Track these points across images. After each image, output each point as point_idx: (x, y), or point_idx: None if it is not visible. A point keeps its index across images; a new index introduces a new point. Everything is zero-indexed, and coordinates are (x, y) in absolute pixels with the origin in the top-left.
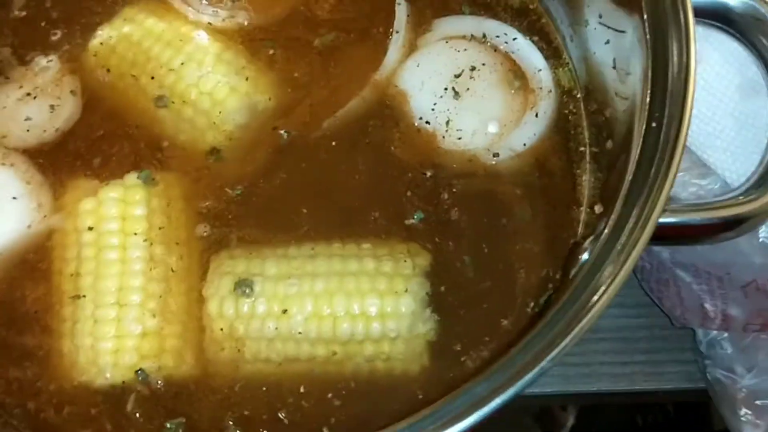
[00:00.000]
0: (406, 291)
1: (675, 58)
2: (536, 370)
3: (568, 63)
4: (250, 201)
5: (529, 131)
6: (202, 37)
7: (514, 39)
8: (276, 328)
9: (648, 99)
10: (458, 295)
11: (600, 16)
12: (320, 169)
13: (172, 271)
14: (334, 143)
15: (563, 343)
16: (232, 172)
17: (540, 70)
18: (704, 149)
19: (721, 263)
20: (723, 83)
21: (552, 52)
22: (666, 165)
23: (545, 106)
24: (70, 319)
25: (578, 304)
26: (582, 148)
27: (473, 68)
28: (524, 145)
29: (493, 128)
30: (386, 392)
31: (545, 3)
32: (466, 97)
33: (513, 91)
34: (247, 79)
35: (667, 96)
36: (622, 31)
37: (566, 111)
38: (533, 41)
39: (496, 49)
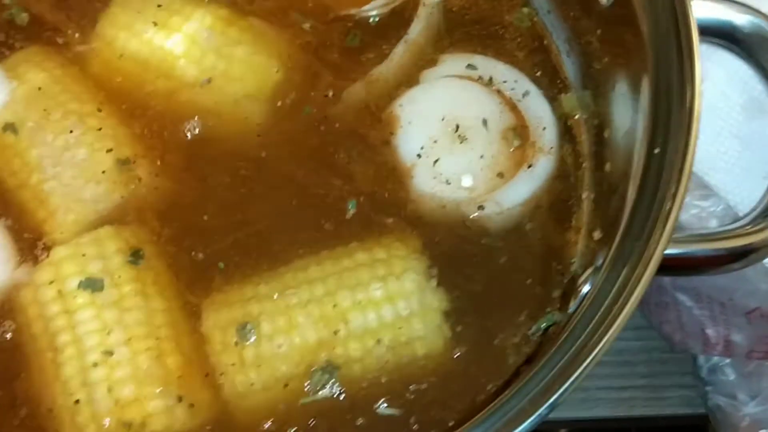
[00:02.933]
0: (407, 269)
1: (677, 79)
2: (534, 416)
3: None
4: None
5: (522, 189)
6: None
7: (526, 92)
8: (288, 343)
9: (650, 124)
10: (460, 264)
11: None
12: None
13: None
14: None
15: (561, 389)
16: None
17: (545, 128)
18: (706, 170)
19: (723, 288)
20: (727, 103)
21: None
22: (671, 196)
23: (544, 163)
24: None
25: (580, 342)
26: (579, 172)
27: (475, 117)
28: (514, 203)
29: (467, 182)
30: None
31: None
32: (459, 144)
33: (511, 150)
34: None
35: (671, 120)
36: None
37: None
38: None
39: (502, 94)
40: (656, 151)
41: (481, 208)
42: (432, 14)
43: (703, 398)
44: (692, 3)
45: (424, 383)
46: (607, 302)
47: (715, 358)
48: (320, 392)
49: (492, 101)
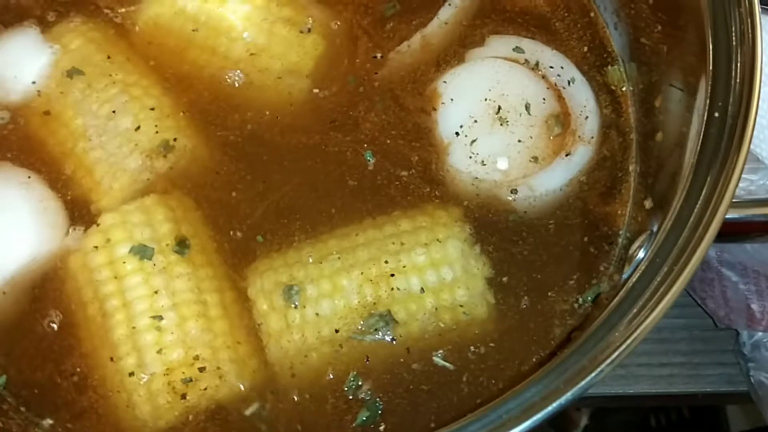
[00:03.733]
0: (449, 235)
1: (737, 43)
2: (595, 372)
3: (617, 60)
4: (271, 199)
5: (558, 176)
6: None
7: (572, 80)
8: (333, 306)
9: (709, 88)
10: (503, 232)
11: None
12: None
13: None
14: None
15: (623, 347)
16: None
17: (587, 117)
18: (757, 143)
19: None
20: None
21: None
22: (733, 157)
23: (583, 153)
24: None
25: (640, 303)
26: (623, 139)
27: (518, 101)
28: (549, 189)
29: (502, 164)
30: (462, 345)
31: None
32: (499, 126)
33: (551, 137)
34: None
35: (732, 84)
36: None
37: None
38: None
39: (547, 80)
40: (716, 114)
41: (514, 191)
42: None
43: (746, 375)
44: None
45: (472, 346)
46: (667, 264)
47: (759, 334)
48: (375, 335)
49: (537, 86)
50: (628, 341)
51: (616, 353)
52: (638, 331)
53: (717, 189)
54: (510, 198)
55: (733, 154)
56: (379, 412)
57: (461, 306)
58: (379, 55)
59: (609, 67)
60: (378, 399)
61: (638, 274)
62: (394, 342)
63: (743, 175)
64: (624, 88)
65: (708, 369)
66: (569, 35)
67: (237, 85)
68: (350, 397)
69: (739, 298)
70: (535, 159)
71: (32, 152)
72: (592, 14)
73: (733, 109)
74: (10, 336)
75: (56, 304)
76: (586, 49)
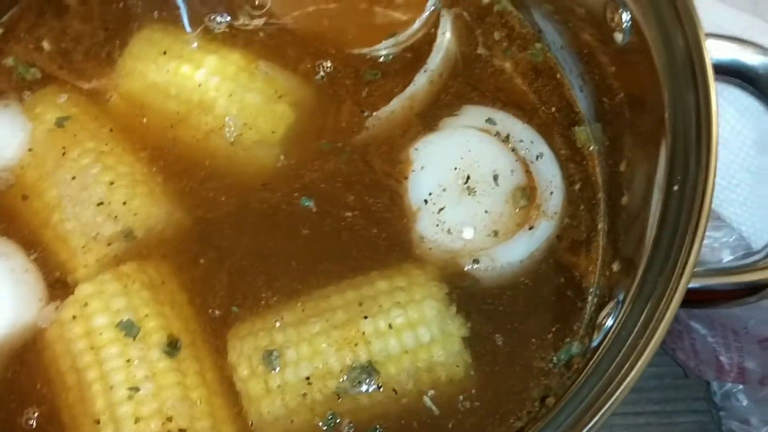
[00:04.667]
0: (426, 296)
1: (694, 117)
2: None
3: (584, 121)
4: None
5: (520, 249)
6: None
7: (540, 155)
8: (313, 369)
9: (668, 161)
10: (477, 292)
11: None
12: (297, 219)
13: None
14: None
15: (593, 421)
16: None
17: (552, 192)
18: (719, 203)
19: (737, 317)
20: (739, 138)
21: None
22: (692, 232)
23: (545, 227)
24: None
25: (607, 376)
26: (593, 198)
27: (488, 171)
28: (509, 261)
29: (468, 234)
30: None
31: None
32: (467, 196)
33: (517, 209)
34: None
35: (689, 158)
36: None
37: (576, 164)
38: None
39: (516, 153)
40: (675, 188)
41: (476, 261)
42: (448, 49)
43: (717, 423)
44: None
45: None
46: (632, 337)
47: (729, 385)
48: (359, 387)
49: (506, 158)
50: (600, 413)
51: (587, 427)
52: (612, 399)
53: (679, 260)
54: (470, 267)
55: (693, 228)
56: None
57: (438, 365)
58: (356, 119)
59: (576, 127)
60: None
61: (608, 344)
62: (380, 389)
63: (708, 233)
64: (591, 148)
65: (681, 417)
66: (538, 97)
67: (210, 153)
68: None
69: (708, 350)
70: (496, 233)
71: (9, 222)
72: (558, 76)
73: (692, 184)
74: None
75: (34, 375)
76: (554, 109)
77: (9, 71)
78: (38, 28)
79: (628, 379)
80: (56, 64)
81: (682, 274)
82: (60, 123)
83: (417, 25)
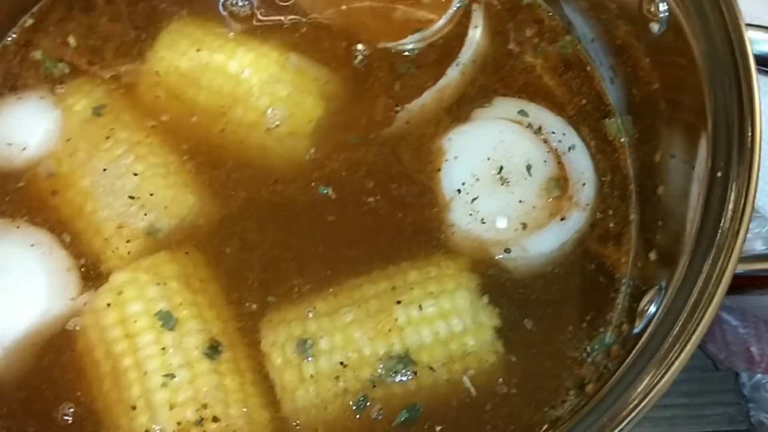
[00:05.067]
0: (458, 286)
1: (736, 107)
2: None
3: (614, 113)
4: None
5: (551, 239)
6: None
7: (572, 146)
8: (346, 357)
9: (711, 150)
10: (509, 282)
11: None
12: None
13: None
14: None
15: (633, 414)
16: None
17: (584, 184)
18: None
19: None
20: None
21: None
22: (739, 217)
23: (577, 218)
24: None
25: (653, 361)
26: (624, 190)
27: (521, 162)
28: (541, 251)
29: (502, 223)
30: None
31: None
32: (500, 186)
33: (549, 200)
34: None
35: (733, 141)
36: None
37: (607, 156)
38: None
39: (548, 144)
40: (719, 174)
41: (507, 251)
42: (479, 43)
43: (745, 415)
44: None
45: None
46: (680, 321)
47: (758, 376)
48: (394, 377)
49: (539, 149)
50: (649, 396)
51: (636, 410)
52: (658, 387)
53: (724, 247)
54: (502, 256)
55: (740, 212)
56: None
57: (470, 355)
58: (388, 112)
59: (606, 119)
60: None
61: (653, 329)
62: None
63: None
64: (622, 140)
65: (709, 409)
66: (568, 89)
67: (244, 146)
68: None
69: (739, 341)
70: (528, 223)
71: (43, 213)
72: (588, 68)
73: (735, 169)
74: (17, 394)
75: (68, 364)
76: (584, 101)
77: (37, 65)
78: (67, 22)
79: (678, 361)
80: (85, 59)
81: (729, 258)
82: (97, 112)
83: (443, 21)
